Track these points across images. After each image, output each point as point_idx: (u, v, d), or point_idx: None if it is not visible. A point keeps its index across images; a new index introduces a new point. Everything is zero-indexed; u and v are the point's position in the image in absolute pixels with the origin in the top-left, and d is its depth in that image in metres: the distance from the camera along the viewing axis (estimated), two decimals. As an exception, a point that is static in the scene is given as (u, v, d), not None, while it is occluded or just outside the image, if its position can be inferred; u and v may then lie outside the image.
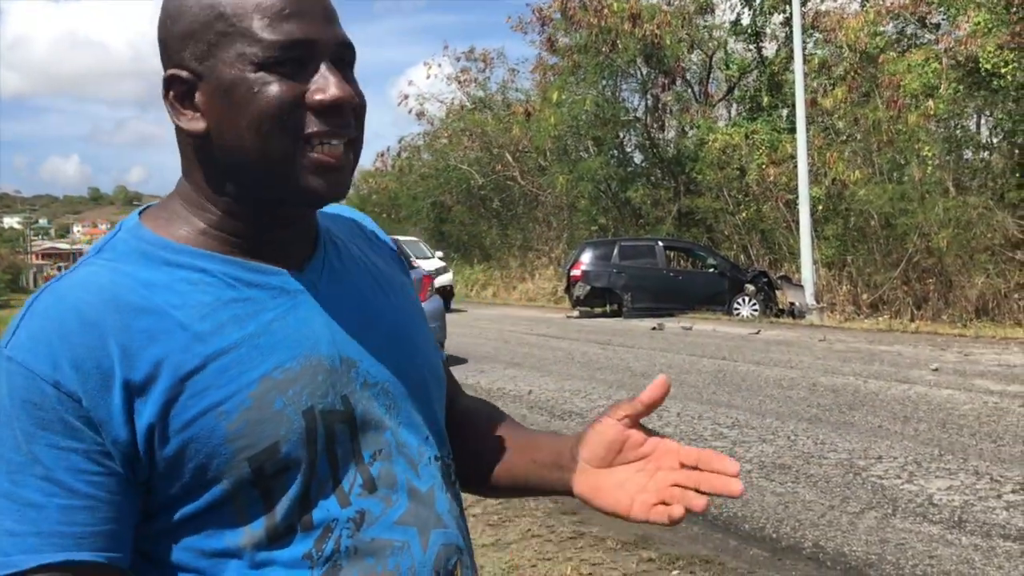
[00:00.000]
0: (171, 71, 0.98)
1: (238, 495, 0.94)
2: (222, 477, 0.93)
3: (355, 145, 1.01)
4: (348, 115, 0.98)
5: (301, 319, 1.00)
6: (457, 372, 10.64)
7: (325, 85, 0.95)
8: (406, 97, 33.15)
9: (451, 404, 1.23)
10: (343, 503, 0.98)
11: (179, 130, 1.00)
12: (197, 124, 0.98)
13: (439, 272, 22.67)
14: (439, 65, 46.49)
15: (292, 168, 0.96)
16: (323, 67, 0.96)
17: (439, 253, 25.62)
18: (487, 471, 1.19)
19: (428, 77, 54.71)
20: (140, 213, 1.05)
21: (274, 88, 0.94)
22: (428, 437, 1.08)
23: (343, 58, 0.99)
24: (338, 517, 0.97)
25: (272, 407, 0.94)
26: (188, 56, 0.97)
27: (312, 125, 0.96)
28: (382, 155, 38.59)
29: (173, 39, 0.98)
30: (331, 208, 1.18)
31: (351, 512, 0.98)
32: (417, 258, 20.84)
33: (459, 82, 32.69)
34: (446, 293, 21.52)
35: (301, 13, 0.95)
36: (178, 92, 0.98)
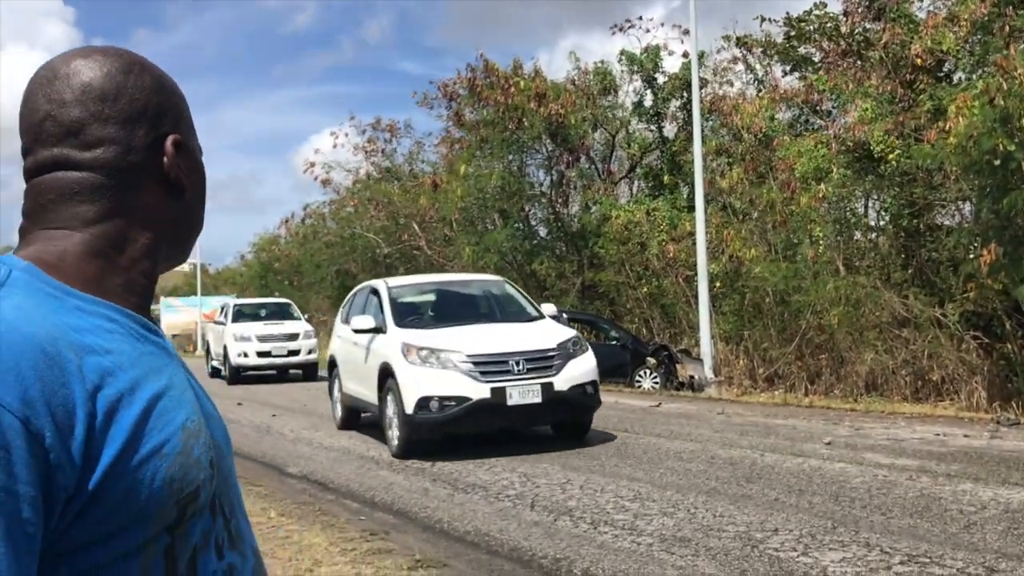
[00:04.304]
0: (176, 136, 1.10)
1: (149, 545, 0.92)
2: (149, 521, 0.91)
3: None
4: None
5: (183, 380, 1.04)
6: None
7: None
8: (312, 165, 32.87)
9: None
10: (219, 556, 1.02)
11: (146, 185, 1.07)
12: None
13: None
14: (345, 134, 46.65)
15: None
16: None
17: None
18: None
19: (335, 146, 54.70)
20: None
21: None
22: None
23: None
24: (217, 570, 1.01)
25: (193, 454, 0.97)
26: (173, 124, 1.11)
27: None
28: (286, 221, 38.27)
29: (168, 106, 1.11)
30: None
31: (224, 565, 1.02)
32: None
33: (365, 152, 32.80)
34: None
35: None
36: (173, 154, 1.10)
